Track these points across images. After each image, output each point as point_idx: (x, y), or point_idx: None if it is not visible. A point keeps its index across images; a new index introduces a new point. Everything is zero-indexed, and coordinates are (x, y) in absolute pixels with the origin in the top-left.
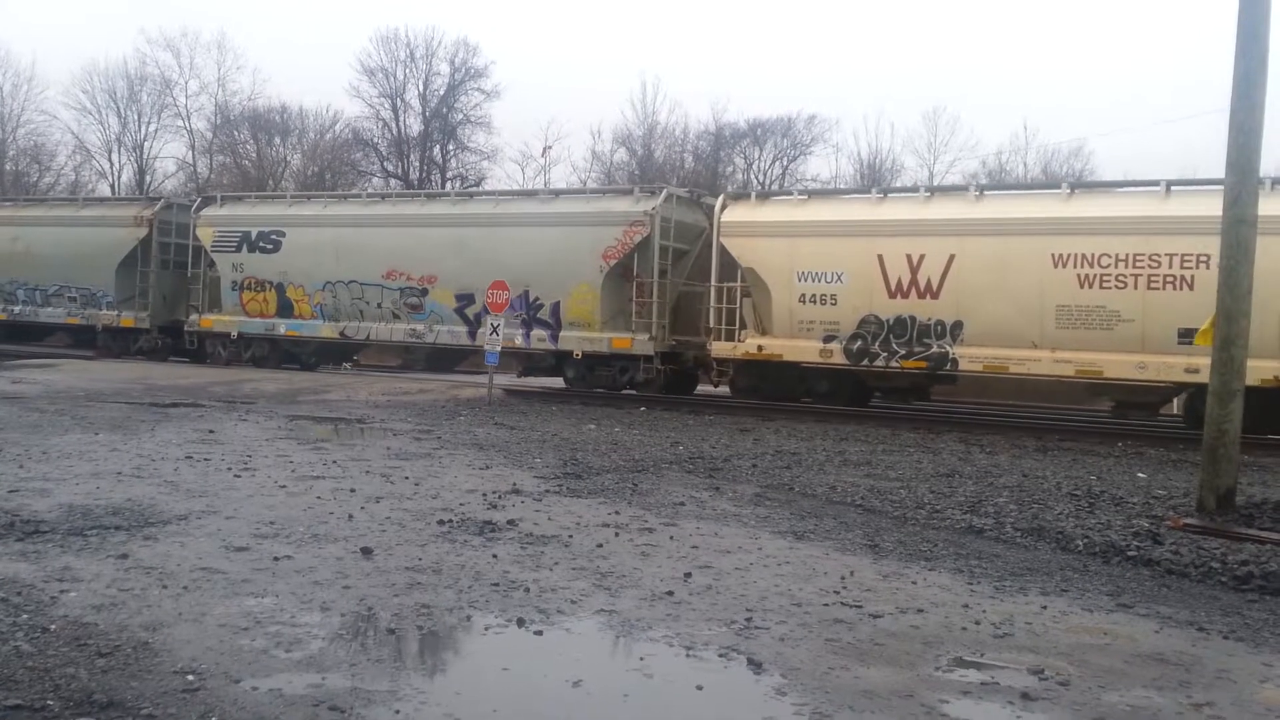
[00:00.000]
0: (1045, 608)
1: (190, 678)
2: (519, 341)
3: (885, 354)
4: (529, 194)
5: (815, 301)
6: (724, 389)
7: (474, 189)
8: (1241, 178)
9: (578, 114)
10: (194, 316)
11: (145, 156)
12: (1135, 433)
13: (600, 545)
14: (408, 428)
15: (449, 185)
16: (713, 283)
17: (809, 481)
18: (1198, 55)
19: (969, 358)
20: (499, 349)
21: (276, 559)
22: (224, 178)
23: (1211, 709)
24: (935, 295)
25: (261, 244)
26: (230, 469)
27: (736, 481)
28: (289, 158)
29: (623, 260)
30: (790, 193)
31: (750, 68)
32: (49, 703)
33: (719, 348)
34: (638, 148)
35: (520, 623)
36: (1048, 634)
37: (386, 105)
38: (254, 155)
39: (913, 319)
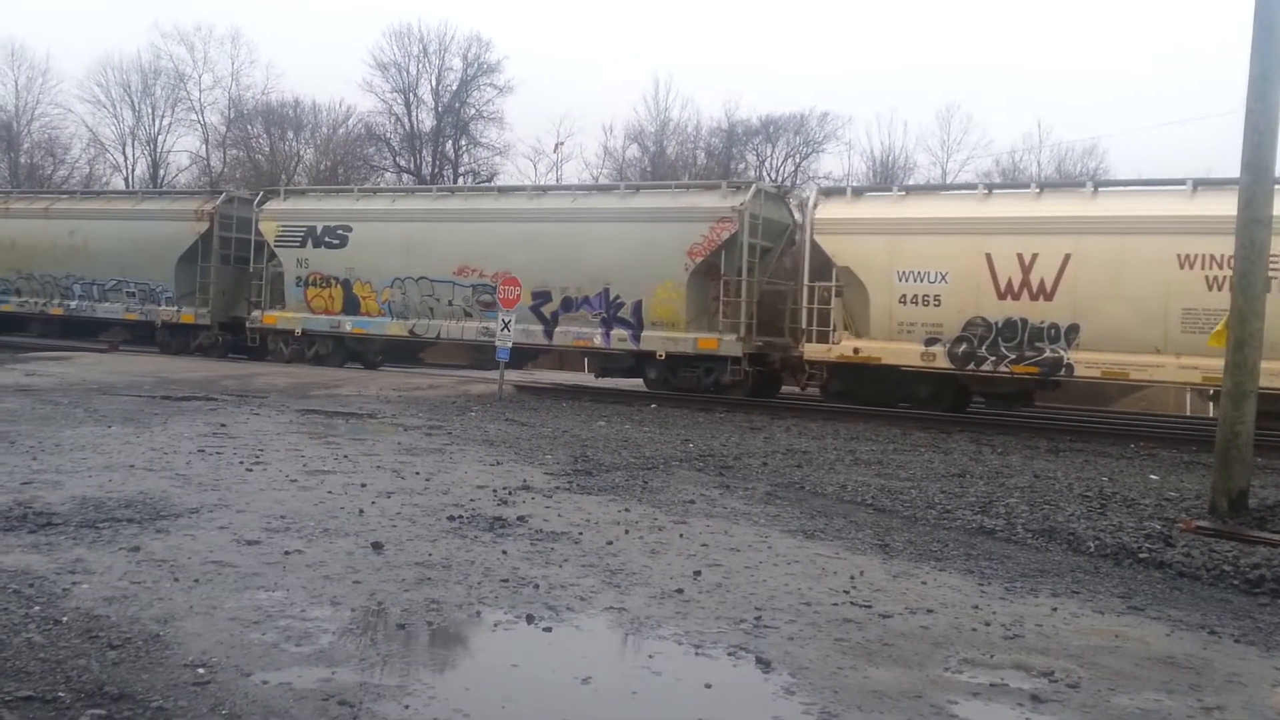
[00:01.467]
0: (1056, 609)
1: (201, 671)
2: (598, 341)
3: (993, 358)
4: (608, 188)
5: (917, 302)
6: (809, 392)
7: (550, 185)
8: (1257, 177)
9: (590, 110)
10: (256, 313)
11: (159, 150)
12: (1148, 434)
13: (610, 542)
14: (418, 423)
15: (461, 180)
16: (805, 282)
17: (819, 480)
18: (1213, 55)
19: (1085, 363)
20: (510, 345)
21: (287, 553)
22: (237, 172)
23: (1222, 713)
24: (1049, 297)
25: (327, 239)
26: (242, 463)
27: (747, 480)
28: (302, 152)
29: (709, 258)
30: (888, 188)
31: (763, 65)
32: (60, 694)
33: (812, 350)
34: (650, 144)
35: (530, 619)
36: (1058, 636)
37: (399, 100)
38: (267, 150)
39: (1024, 321)
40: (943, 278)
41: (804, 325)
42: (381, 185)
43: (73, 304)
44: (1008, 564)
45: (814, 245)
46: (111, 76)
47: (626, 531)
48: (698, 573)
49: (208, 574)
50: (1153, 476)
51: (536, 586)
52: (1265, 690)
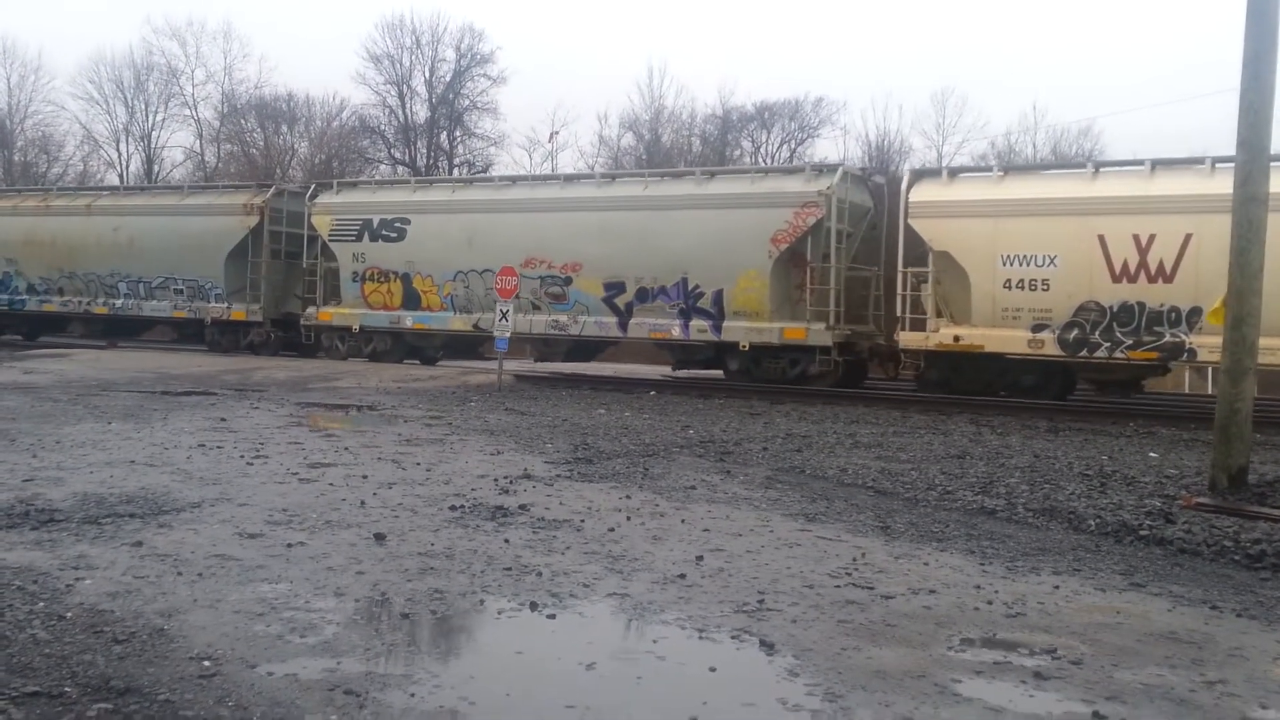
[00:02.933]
0: (1057, 587)
1: (206, 663)
2: (676, 333)
3: (1107, 344)
4: (681, 174)
5: (1023, 287)
6: (901, 381)
7: (619, 171)
8: (1252, 156)
9: (584, 99)
10: (310, 310)
11: (153, 146)
12: (1147, 412)
13: (612, 529)
14: (419, 414)
15: (455, 172)
16: (900, 267)
17: (820, 464)
18: (1208, 34)
19: (1210, 347)
20: (509, 334)
21: (290, 545)
22: (231, 166)
23: (1224, 686)
24: (1169, 279)
25: (384, 232)
26: (243, 456)
27: (747, 465)
28: (296, 146)
29: (794, 245)
30: (987, 168)
31: (757, 51)
32: (66, 689)
33: (908, 338)
34: (645, 132)
35: (533, 607)
36: (1060, 613)
37: (393, 92)
38: (261, 144)
39: (1141, 305)
40: (1051, 261)
41: (899, 312)
42: (437, 176)
43: (118, 303)
44: (1009, 543)
45: (909, 229)
46: (104, 73)
47: (628, 518)
48: (700, 558)
49: (211, 567)
50: (1152, 454)
51: (539, 574)
52: (1267, 664)
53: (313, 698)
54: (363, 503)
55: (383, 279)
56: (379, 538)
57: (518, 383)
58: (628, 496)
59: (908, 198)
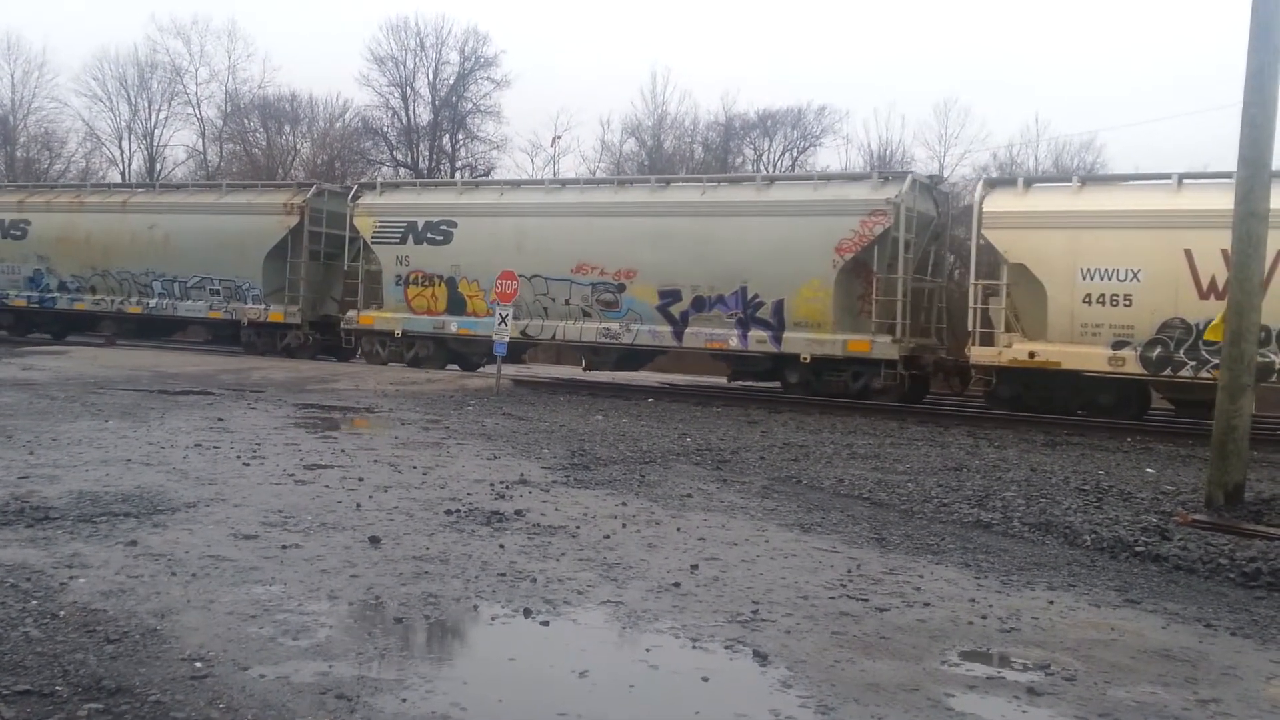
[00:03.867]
0: (1052, 603)
1: (198, 665)
2: (734, 344)
3: (1193, 363)
4: (740, 179)
5: (1103, 302)
6: (967, 397)
7: (672, 175)
8: (1254, 172)
9: (587, 104)
10: (351, 313)
11: (155, 144)
12: (1144, 428)
13: (607, 536)
14: (416, 417)
15: (458, 175)
16: (972, 279)
17: (816, 474)
18: (1211, 49)
19: None
20: (507, 339)
21: (284, 547)
22: (234, 165)
23: (1218, 705)
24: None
25: (430, 235)
26: (239, 457)
27: (744, 474)
28: (298, 146)
29: (859, 254)
30: (1065, 178)
31: (760, 59)
32: (58, 688)
33: (979, 353)
34: (647, 138)
35: (527, 613)
36: (1054, 629)
37: (396, 94)
38: (264, 144)
39: None
40: (1134, 275)
41: (969, 326)
42: (483, 178)
43: (152, 302)
44: (1004, 557)
45: (982, 240)
46: (108, 70)
47: (624, 525)
48: (695, 566)
49: (205, 568)
50: (1149, 470)
51: (534, 580)
52: (1261, 683)
53: (304, 701)
54: (358, 505)
55: (427, 283)
56: (374, 541)
57: (515, 387)
58: (624, 504)
59: (981, 208)
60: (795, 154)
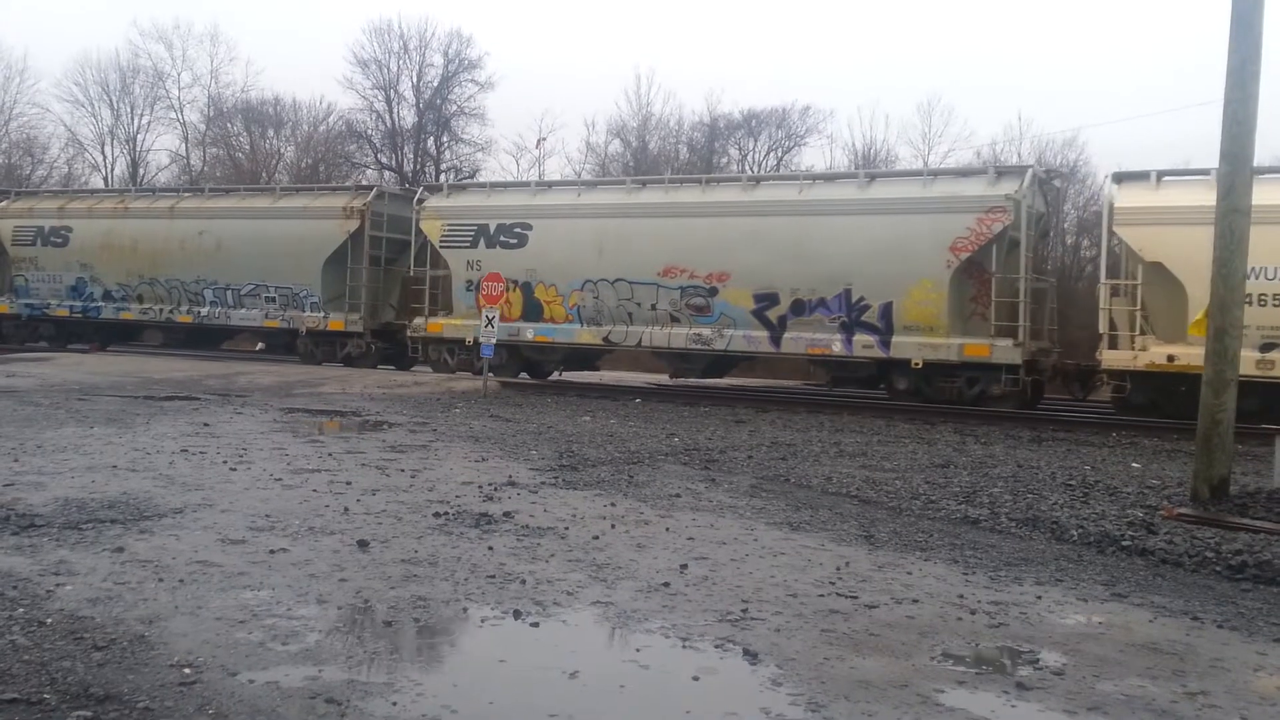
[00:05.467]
0: (1040, 598)
1: (187, 671)
2: (837, 349)
3: None
4: (840, 176)
5: (1250, 302)
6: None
7: (767, 173)
8: (1236, 167)
9: (572, 106)
10: (418, 320)
11: (138, 149)
12: (1129, 423)
13: (596, 537)
14: (403, 420)
15: (443, 178)
16: (1103, 279)
17: (805, 473)
18: (1193, 45)
19: None
20: (494, 341)
21: (272, 552)
22: (217, 170)
23: (1206, 698)
24: None
25: (503, 238)
26: (226, 462)
27: (732, 473)
28: (282, 150)
29: (975, 254)
30: (1202, 170)
31: (745, 59)
32: (45, 696)
33: (1112, 357)
34: (632, 139)
35: (516, 615)
36: (1043, 624)
37: (380, 97)
38: (247, 148)
39: None
40: None
41: (1100, 329)
42: (558, 178)
43: (204, 311)
44: (992, 553)
45: (1114, 237)
46: (89, 75)
47: (613, 526)
48: (684, 566)
49: (193, 574)
50: (1135, 465)
51: (523, 582)
52: (1248, 675)
53: (294, 706)
54: (346, 509)
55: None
56: (362, 544)
57: (503, 389)
58: (612, 504)
59: (1113, 203)
60: (780, 154)
